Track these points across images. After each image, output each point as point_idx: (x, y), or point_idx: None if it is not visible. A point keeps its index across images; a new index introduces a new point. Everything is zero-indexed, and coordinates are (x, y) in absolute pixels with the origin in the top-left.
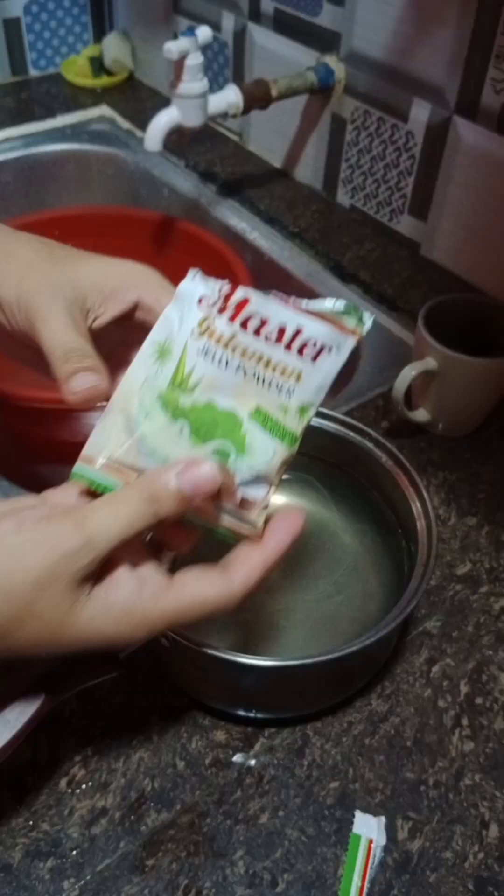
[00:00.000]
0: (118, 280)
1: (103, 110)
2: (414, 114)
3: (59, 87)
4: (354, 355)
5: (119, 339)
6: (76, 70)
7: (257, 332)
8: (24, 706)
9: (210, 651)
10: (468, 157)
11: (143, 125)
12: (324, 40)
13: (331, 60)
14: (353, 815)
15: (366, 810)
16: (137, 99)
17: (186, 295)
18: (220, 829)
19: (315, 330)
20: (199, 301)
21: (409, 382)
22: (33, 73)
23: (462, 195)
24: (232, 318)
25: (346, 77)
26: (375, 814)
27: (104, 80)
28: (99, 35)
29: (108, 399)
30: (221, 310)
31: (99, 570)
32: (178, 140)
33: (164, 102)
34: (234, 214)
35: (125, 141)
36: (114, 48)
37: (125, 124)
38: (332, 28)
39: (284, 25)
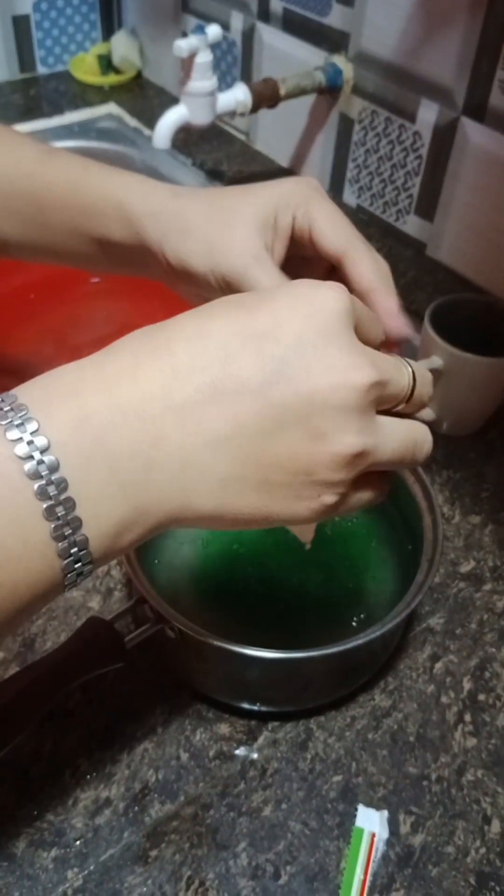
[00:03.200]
0: (275, 208)
1: (111, 108)
2: (422, 115)
3: (68, 84)
4: None
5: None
6: (84, 68)
7: None
8: None
9: (216, 642)
10: (476, 159)
11: (150, 123)
12: (332, 40)
13: (339, 60)
14: (356, 809)
15: (368, 804)
16: (145, 97)
17: None
18: (223, 821)
19: None
20: None
21: None
22: (42, 70)
23: (469, 196)
24: None
25: (354, 77)
26: (378, 808)
27: (112, 78)
28: (107, 33)
29: None
30: None
31: None
32: (185, 138)
33: (172, 101)
34: None
35: (133, 139)
36: (122, 46)
37: (133, 122)
38: (341, 28)
39: (293, 25)
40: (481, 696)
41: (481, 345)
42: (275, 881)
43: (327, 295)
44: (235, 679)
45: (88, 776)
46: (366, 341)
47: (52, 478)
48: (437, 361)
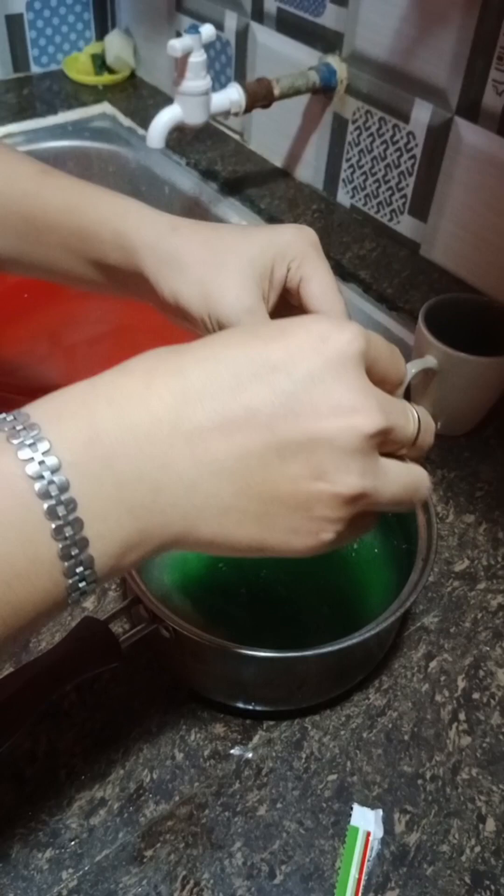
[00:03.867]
0: (272, 259)
1: (105, 108)
2: (415, 115)
3: (61, 83)
4: None
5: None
6: (78, 67)
7: None
8: None
9: (210, 642)
10: (469, 159)
11: (144, 123)
12: (326, 40)
13: (333, 60)
14: (351, 808)
15: (363, 803)
16: (139, 97)
17: None
18: (218, 820)
19: None
20: None
21: (409, 380)
22: (35, 69)
23: (463, 196)
24: None
25: (348, 77)
26: (373, 807)
27: (106, 78)
28: (101, 33)
29: None
30: None
31: None
32: (179, 138)
33: (166, 101)
34: (235, 213)
35: (126, 138)
36: (116, 46)
37: (126, 122)
38: (335, 28)
39: (287, 25)
40: (476, 695)
41: (475, 344)
42: (270, 881)
43: (343, 334)
44: (230, 678)
45: (83, 776)
46: (383, 380)
47: (62, 498)
48: (431, 361)
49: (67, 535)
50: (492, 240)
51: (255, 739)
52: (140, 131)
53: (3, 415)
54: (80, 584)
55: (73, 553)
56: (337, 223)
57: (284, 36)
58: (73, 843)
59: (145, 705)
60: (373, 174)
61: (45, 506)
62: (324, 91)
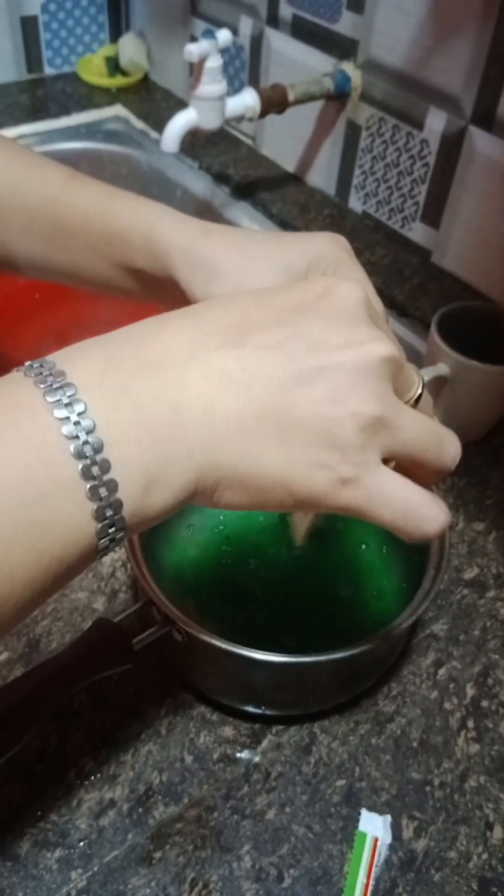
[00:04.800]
0: (307, 266)
1: (118, 110)
2: (429, 122)
3: (75, 85)
4: None
5: None
6: (92, 69)
7: None
8: None
9: (223, 645)
10: (483, 167)
11: (157, 126)
12: (341, 47)
13: (348, 67)
14: (359, 813)
15: (371, 809)
16: (152, 100)
17: None
18: (227, 823)
19: None
20: None
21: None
22: (49, 71)
23: (476, 204)
24: None
25: (362, 84)
26: (381, 812)
27: (119, 81)
28: (115, 35)
29: None
30: None
31: None
32: (191, 141)
33: (179, 104)
34: (247, 217)
35: (139, 141)
36: (130, 49)
37: (139, 125)
38: (351, 35)
39: (302, 31)
40: (484, 703)
41: (487, 352)
42: (278, 884)
43: (344, 283)
44: (241, 682)
45: (93, 777)
46: None
47: (81, 420)
48: (443, 368)
49: (87, 454)
50: None
51: (265, 743)
52: (153, 134)
53: (30, 362)
54: (108, 513)
55: (94, 473)
56: (348, 229)
57: (299, 42)
58: (82, 843)
59: (155, 707)
60: (385, 181)
61: (64, 428)
62: (338, 97)
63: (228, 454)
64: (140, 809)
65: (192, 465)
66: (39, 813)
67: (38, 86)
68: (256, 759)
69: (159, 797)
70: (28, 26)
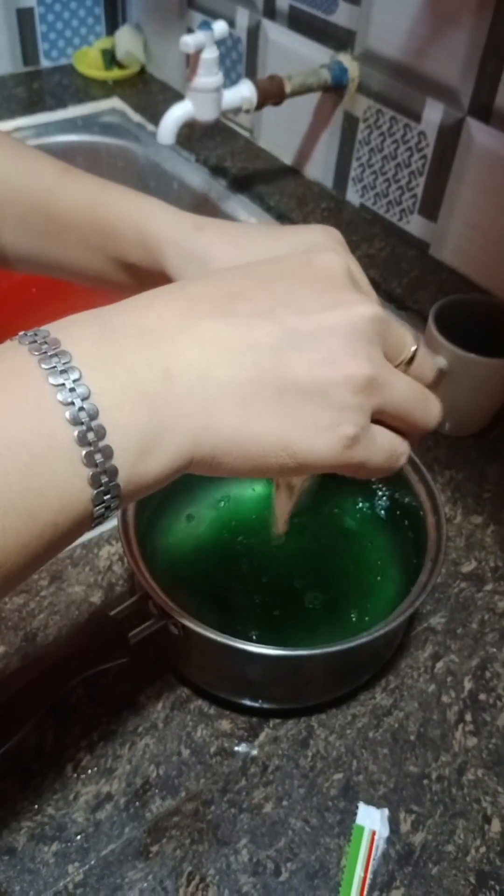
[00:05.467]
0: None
1: (114, 103)
2: (427, 114)
3: (71, 78)
4: None
5: None
6: (88, 62)
7: None
8: None
9: (219, 639)
10: (480, 159)
11: (153, 118)
12: (338, 38)
13: (345, 59)
14: (357, 807)
15: (369, 802)
16: (148, 92)
17: None
18: (224, 817)
19: None
20: None
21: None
22: (45, 63)
23: (473, 196)
24: None
25: (359, 76)
26: (379, 806)
27: (116, 73)
28: (112, 28)
29: None
30: None
31: None
32: (188, 134)
33: (176, 96)
34: (244, 210)
35: (136, 134)
36: (126, 41)
37: (136, 117)
38: (347, 27)
39: (299, 23)
40: (482, 696)
41: (485, 345)
42: (275, 878)
43: (325, 255)
44: (238, 676)
45: (90, 771)
46: None
47: (76, 387)
48: (441, 362)
49: (83, 420)
50: (502, 241)
51: (262, 737)
52: (149, 127)
53: (24, 332)
54: (103, 479)
55: (90, 440)
56: (346, 222)
57: (296, 33)
58: (79, 837)
59: (152, 701)
60: (383, 173)
61: (59, 395)
62: (335, 89)
63: (226, 419)
64: (137, 803)
65: (189, 431)
66: (36, 807)
67: (34, 78)
68: (254, 752)
69: (156, 791)
70: (24, 18)
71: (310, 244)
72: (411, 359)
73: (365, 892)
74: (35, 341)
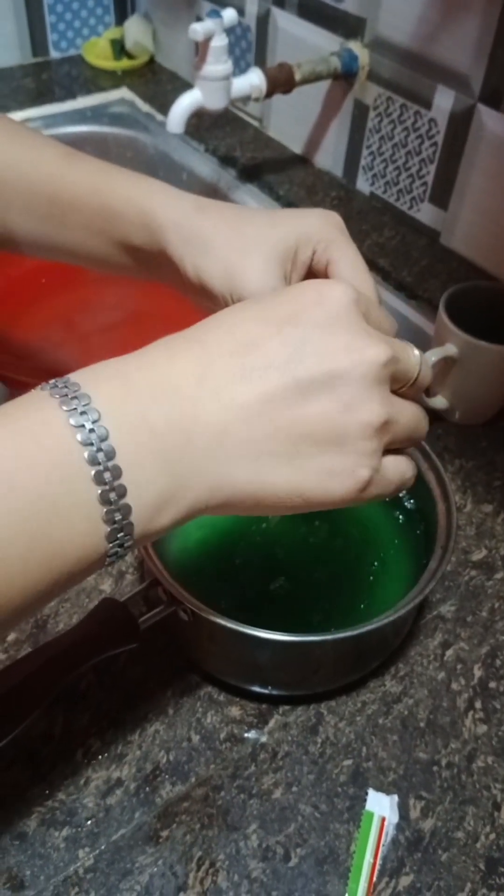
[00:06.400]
0: (296, 241)
1: (123, 93)
2: (437, 101)
3: (80, 68)
4: None
5: None
6: (97, 52)
7: None
8: None
9: (228, 624)
10: (492, 146)
11: (163, 108)
12: (348, 26)
13: (355, 46)
14: (366, 793)
15: (378, 789)
16: (158, 82)
17: None
18: (233, 802)
19: None
20: None
21: (431, 367)
22: (54, 54)
23: (484, 184)
24: None
25: (369, 63)
26: (388, 792)
27: (125, 63)
28: (121, 18)
29: None
30: None
31: None
32: (197, 124)
33: (185, 86)
34: (254, 199)
35: (145, 124)
36: (135, 31)
37: (145, 107)
38: (357, 13)
39: (309, 10)
40: (492, 684)
41: (495, 333)
42: (285, 863)
43: (335, 287)
44: (247, 662)
45: (100, 756)
46: (378, 329)
47: (102, 446)
48: (451, 349)
49: (107, 480)
50: None
51: (271, 723)
52: (159, 117)
53: (54, 380)
54: (119, 535)
55: (111, 498)
56: (356, 211)
57: (306, 21)
58: (89, 822)
59: (162, 687)
60: (393, 161)
61: (86, 453)
62: (345, 77)
63: (241, 474)
64: (147, 788)
65: (204, 487)
66: (47, 792)
67: (43, 69)
68: (263, 738)
69: (166, 776)
70: (33, 9)
71: (307, 229)
72: (417, 376)
73: (374, 878)
74: (66, 395)
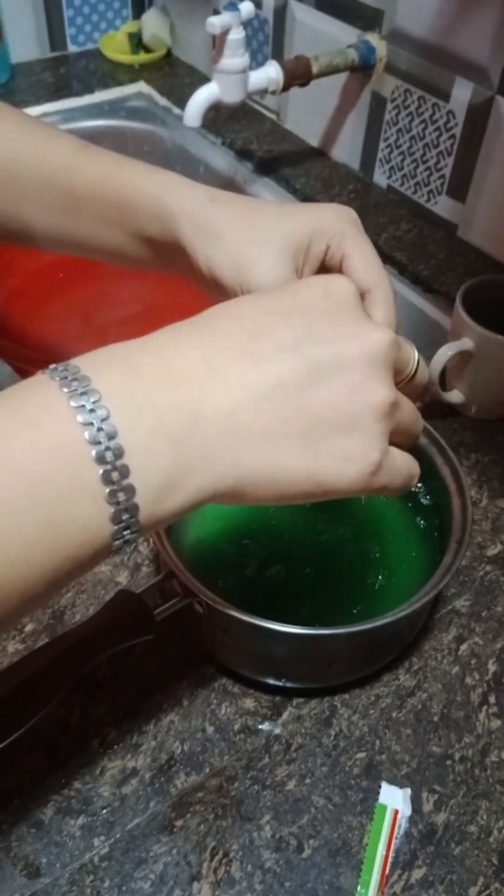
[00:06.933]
0: (310, 235)
1: (141, 87)
2: (456, 93)
3: (98, 63)
4: None
5: None
6: (114, 46)
7: None
8: None
9: (243, 617)
10: None
11: (180, 102)
12: (366, 18)
13: (372, 38)
14: (380, 786)
15: (392, 782)
16: (175, 76)
17: None
18: (247, 793)
19: None
20: None
21: (445, 363)
22: (72, 48)
23: (502, 177)
24: None
25: (387, 55)
26: (401, 785)
27: (142, 57)
28: (138, 11)
29: None
30: None
31: None
32: (214, 117)
33: (202, 80)
34: (270, 193)
35: (162, 118)
36: (152, 24)
37: (162, 101)
38: (375, 5)
39: (326, 2)
40: None
41: None
42: (298, 854)
43: (338, 281)
44: (261, 654)
45: (116, 746)
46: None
47: (103, 426)
48: (467, 343)
49: (108, 460)
50: None
51: (285, 715)
52: (176, 110)
53: (55, 365)
54: (124, 517)
55: (114, 478)
56: (373, 204)
57: (323, 13)
58: (105, 811)
59: (177, 678)
60: (410, 154)
61: (87, 433)
62: (362, 69)
63: (253, 458)
64: (162, 778)
65: (212, 471)
66: (63, 780)
67: (61, 63)
68: (277, 730)
69: (181, 766)
70: (51, 4)
71: (320, 222)
72: (415, 372)
73: (387, 871)
74: (66, 377)
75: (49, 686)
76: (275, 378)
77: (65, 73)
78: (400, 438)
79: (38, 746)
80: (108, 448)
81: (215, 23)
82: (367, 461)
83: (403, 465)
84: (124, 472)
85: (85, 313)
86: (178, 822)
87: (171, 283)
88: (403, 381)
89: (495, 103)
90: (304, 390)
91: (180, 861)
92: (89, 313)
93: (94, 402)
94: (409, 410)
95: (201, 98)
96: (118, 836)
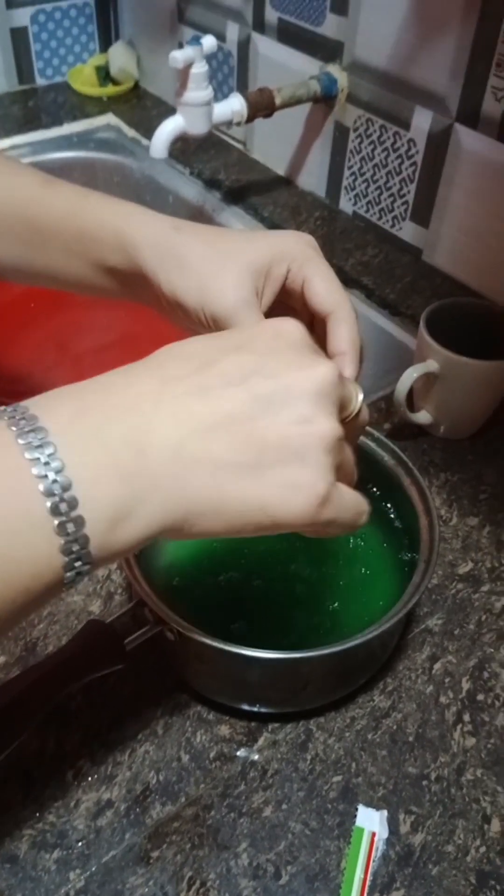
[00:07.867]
0: (271, 258)
1: (109, 119)
2: (416, 122)
3: (66, 95)
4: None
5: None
6: (82, 79)
7: None
8: None
9: (214, 643)
10: (469, 165)
11: (148, 133)
12: (327, 49)
13: (334, 69)
14: (356, 809)
15: (368, 804)
16: (143, 108)
17: None
18: (224, 821)
19: None
20: None
21: (411, 384)
22: (40, 81)
23: (464, 201)
24: None
25: (348, 86)
26: (378, 807)
27: (110, 89)
28: (105, 45)
29: None
30: None
31: None
32: (182, 148)
33: (170, 111)
34: (239, 221)
35: (131, 149)
36: (119, 57)
37: (131, 132)
38: (335, 38)
39: (288, 35)
40: (480, 696)
41: (478, 348)
42: (276, 881)
43: (288, 323)
44: (234, 680)
45: (90, 778)
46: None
47: (49, 460)
48: (432, 365)
49: (55, 492)
50: (493, 244)
51: (261, 741)
52: (144, 142)
53: (4, 408)
54: (74, 548)
55: (62, 510)
56: (339, 230)
57: (285, 46)
58: (80, 843)
59: (151, 707)
60: (374, 181)
61: (34, 469)
62: (325, 100)
63: (201, 488)
64: (137, 809)
65: (161, 501)
66: (37, 814)
67: (29, 96)
68: (253, 756)
69: (156, 797)
70: (18, 37)
71: (282, 248)
72: (358, 411)
73: (365, 894)
74: (14, 416)
75: (22, 717)
76: (223, 410)
77: (33, 106)
78: (341, 479)
79: (11, 779)
80: (55, 481)
81: (178, 57)
82: (314, 492)
83: (351, 500)
84: (73, 503)
85: (59, 343)
86: (155, 853)
87: (146, 312)
88: (346, 419)
89: (454, 131)
90: (254, 420)
91: (157, 892)
92: (64, 343)
93: (40, 439)
94: (349, 452)
95: (167, 130)
96: (94, 869)
